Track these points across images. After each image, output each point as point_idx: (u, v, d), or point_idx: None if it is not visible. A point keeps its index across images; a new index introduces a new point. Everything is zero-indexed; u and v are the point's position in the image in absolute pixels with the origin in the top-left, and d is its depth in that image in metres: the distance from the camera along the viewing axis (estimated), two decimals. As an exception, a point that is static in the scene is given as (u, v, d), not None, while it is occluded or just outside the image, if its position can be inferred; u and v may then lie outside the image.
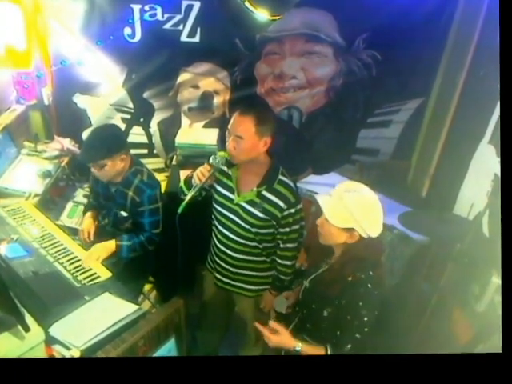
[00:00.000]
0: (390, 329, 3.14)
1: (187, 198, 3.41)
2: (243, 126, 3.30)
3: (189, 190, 3.55)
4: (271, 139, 3.40)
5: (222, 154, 3.42)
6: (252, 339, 4.35)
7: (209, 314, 4.35)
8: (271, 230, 3.63)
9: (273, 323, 3.05)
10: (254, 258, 3.77)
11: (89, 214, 4.34)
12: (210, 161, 3.42)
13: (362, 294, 2.91)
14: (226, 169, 3.57)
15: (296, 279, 3.90)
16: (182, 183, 3.73)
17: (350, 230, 2.87)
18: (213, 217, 3.81)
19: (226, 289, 3.99)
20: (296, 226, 3.62)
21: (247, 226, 3.58)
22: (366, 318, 2.91)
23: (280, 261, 3.77)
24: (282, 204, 3.47)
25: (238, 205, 3.55)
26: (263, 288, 3.94)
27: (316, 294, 3.11)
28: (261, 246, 3.71)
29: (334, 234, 2.92)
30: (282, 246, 3.70)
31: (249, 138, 3.30)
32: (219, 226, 3.74)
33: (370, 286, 2.93)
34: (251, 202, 3.51)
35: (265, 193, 3.48)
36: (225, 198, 3.61)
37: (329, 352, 2.97)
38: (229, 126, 3.39)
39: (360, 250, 2.93)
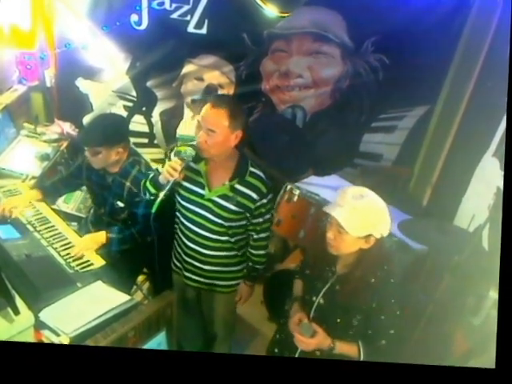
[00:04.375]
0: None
1: (161, 195, 3.30)
2: (216, 119, 3.23)
3: (156, 188, 3.48)
4: (242, 133, 3.35)
5: (188, 148, 3.32)
6: (219, 336, 4.28)
7: (181, 315, 4.27)
8: (244, 222, 3.60)
9: (314, 325, 2.99)
10: (226, 253, 3.71)
11: (35, 191, 4.28)
12: (180, 155, 3.31)
13: (390, 291, 2.95)
14: (193, 164, 3.48)
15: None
16: (146, 183, 3.61)
17: (367, 236, 2.84)
18: (177, 214, 3.72)
19: (196, 287, 3.93)
20: (268, 216, 3.62)
21: (220, 221, 3.51)
22: (398, 312, 2.95)
23: (254, 251, 3.76)
24: (254, 195, 3.44)
25: (209, 200, 3.48)
26: (235, 283, 3.89)
27: (337, 308, 3.03)
28: (233, 240, 3.66)
29: (350, 243, 2.87)
30: (255, 236, 3.69)
31: (221, 132, 3.24)
32: (188, 224, 3.64)
33: (393, 280, 2.98)
34: (224, 196, 3.45)
35: (237, 186, 3.43)
36: (194, 194, 3.52)
37: (361, 349, 2.98)
38: (199, 119, 3.31)
39: (375, 250, 2.92)
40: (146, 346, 3.05)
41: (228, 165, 3.45)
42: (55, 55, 5.63)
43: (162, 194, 3.31)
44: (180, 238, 3.79)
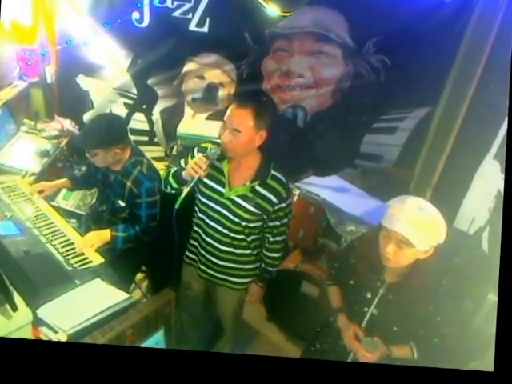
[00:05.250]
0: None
1: (184, 192, 3.32)
2: (241, 119, 3.24)
3: (178, 183, 3.53)
4: (267, 133, 3.34)
5: (213, 146, 3.36)
6: (227, 334, 4.30)
7: (186, 306, 4.27)
8: (260, 224, 3.60)
9: (376, 339, 2.98)
10: (242, 251, 3.71)
11: (65, 180, 4.41)
12: (205, 153, 3.35)
13: (444, 294, 2.93)
14: (216, 162, 3.47)
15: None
16: (168, 177, 3.64)
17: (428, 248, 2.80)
18: (196, 209, 3.73)
19: (209, 280, 3.92)
20: (285, 220, 3.60)
21: (237, 220, 3.52)
22: (451, 311, 2.95)
23: (269, 254, 3.75)
24: (274, 199, 3.43)
25: (228, 199, 3.48)
26: (248, 281, 3.89)
27: (394, 317, 3.02)
28: (249, 239, 3.66)
29: (410, 256, 2.83)
30: (271, 239, 3.67)
31: (246, 132, 3.24)
32: (207, 219, 3.65)
33: (443, 282, 2.95)
34: (243, 197, 3.45)
35: (258, 188, 3.43)
36: (214, 191, 3.53)
37: (414, 349, 2.99)
38: (225, 119, 3.31)
39: (431, 258, 2.88)
40: (144, 345, 3.04)
41: (251, 165, 3.45)
42: (56, 52, 5.63)
43: (186, 191, 3.32)
44: (197, 232, 3.79)
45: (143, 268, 4.60)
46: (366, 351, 2.96)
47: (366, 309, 3.09)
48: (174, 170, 3.63)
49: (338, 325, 3.24)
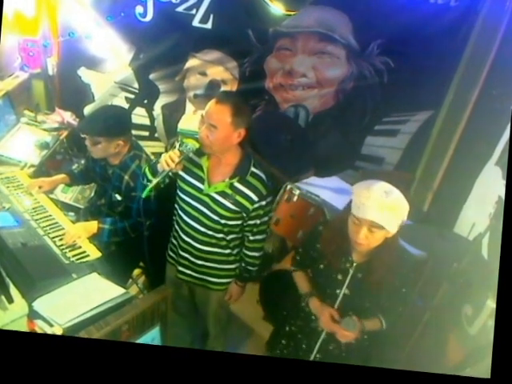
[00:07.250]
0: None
1: (153, 183, 3.31)
2: (219, 115, 3.21)
3: (152, 175, 3.47)
4: (246, 131, 3.32)
5: (191, 141, 3.32)
6: (212, 333, 4.26)
7: (174, 305, 4.22)
8: (239, 222, 3.57)
9: (355, 318, 3.09)
10: (220, 251, 3.68)
11: (63, 176, 4.40)
12: (180, 147, 3.31)
13: (407, 266, 3.18)
14: (196, 158, 3.47)
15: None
16: (145, 169, 3.61)
17: None
18: (176, 206, 3.71)
19: (188, 281, 3.90)
20: (265, 218, 3.60)
21: (216, 218, 3.49)
22: (414, 285, 3.22)
23: (249, 252, 3.73)
24: (253, 196, 3.41)
25: (207, 195, 3.46)
26: (227, 281, 3.86)
27: (365, 294, 3.15)
28: (228, 238, 3.63)
29: (380, 238, 2.95)
30: (251, 238, 3.65)
31: (223, 129, 3.21)
32: (185, 217, 3.62)
33: (406, 256, 3.23)
34: (222, 193, 3.43)
35: (237, 184, 3.41)
36: (193, 187, 3.51)
37: (383, 320, 3.19)
38: (203, 113, 3.29)
39: (396, 238, 3.05)
40: (140, 341, 3.03)
41: (230, 161, 3.42)
42: (58, 43, 5.63)
43: (154, 182, 3.31)
44: (176, 231, 3.77)
45: (140, 264, 4.59)
46: (345, 331, 3.08)
47: (338, 291, 3.20)
48: (152, 162, 3.62)
49: (310, 309, 3.33)
